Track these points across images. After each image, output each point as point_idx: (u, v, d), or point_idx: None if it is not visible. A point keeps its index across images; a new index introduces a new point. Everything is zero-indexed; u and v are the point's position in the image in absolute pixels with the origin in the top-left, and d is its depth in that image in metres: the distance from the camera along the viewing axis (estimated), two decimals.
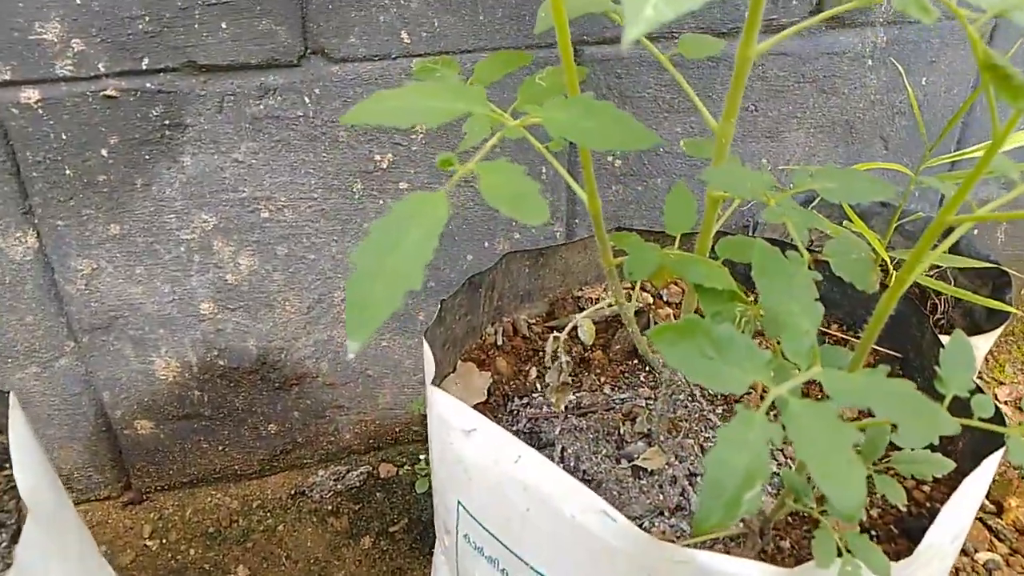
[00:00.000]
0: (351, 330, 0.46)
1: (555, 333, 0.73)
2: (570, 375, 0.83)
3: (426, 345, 0.79)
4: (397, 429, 1.30)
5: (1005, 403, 1.51)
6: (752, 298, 0.66)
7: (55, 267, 1.03)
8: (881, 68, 1.24)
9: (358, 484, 1.23)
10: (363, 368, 1.22)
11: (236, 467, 1.26)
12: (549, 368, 0.75)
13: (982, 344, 1.02)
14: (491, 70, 0.80)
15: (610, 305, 0.75)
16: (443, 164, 0.50)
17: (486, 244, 1.20)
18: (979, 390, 0.59)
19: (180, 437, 1.20)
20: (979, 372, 1.58)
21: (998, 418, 0.68)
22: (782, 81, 1.20)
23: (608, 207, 1.23)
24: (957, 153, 1.05)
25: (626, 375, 0.94)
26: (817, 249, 0.68)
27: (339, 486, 1.23)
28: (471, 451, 0.70)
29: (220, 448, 1.23)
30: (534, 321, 1.02)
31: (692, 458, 0.82)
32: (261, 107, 1.00)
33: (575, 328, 0.78)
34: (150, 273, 1.06)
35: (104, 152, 0.97)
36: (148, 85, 0.95)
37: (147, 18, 0.91)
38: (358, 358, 1.21)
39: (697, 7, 0.29)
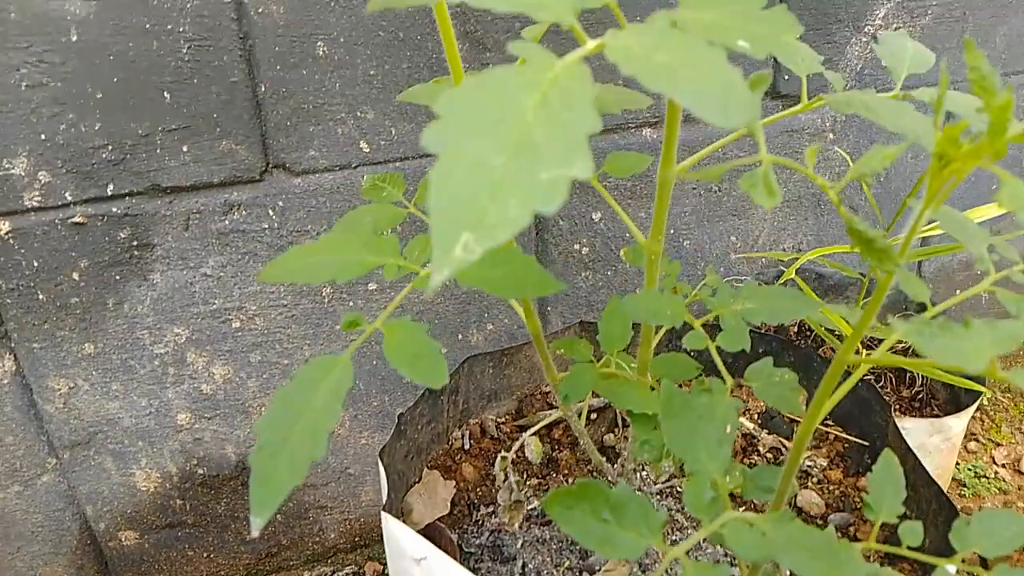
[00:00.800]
0: (255, 506, 0.47)
1: (502, 453, 0.73)
2: (526, 491, 0.83)
3: (381, 467, 0.79)
4: (382, 526, 1.29)
5: (1002, 465, 1.48)
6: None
7: (33, 388, 1.05)
8: (843, 141, 1.25)
9: None
10: (343, 467, 1.22)
11: (222, 573, 1.25)
12: (500, 488, 0.75)
13: (956, 424, 1.00)
14: None
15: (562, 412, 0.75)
16: (348, 326, 0.51)
17: (459, 336, 1.21)
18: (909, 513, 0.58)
19: (165, 546, 1.21)
20: (974, 433, 1.55)
21: (944, 525, 0.67)
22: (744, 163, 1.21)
23: (579, 293, 1.24)
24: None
25: (594, 475, 0.94)
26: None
27: None
28: None
29: (205, 555, 1.23)
30: (503, 420, 1.02)
31: (658, 566, 0.81)
32: (227, 222, 1.02)
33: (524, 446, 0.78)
34: (126, 388, 1.08)
35: (75, 275, 1.00)
36: (114, 210, 0.97)
37: (110, 147, 0.94)
38: (337, 458, 1.21)
39: (510, 236, 0.30)
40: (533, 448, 0.79)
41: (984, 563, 0.55)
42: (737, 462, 0.63)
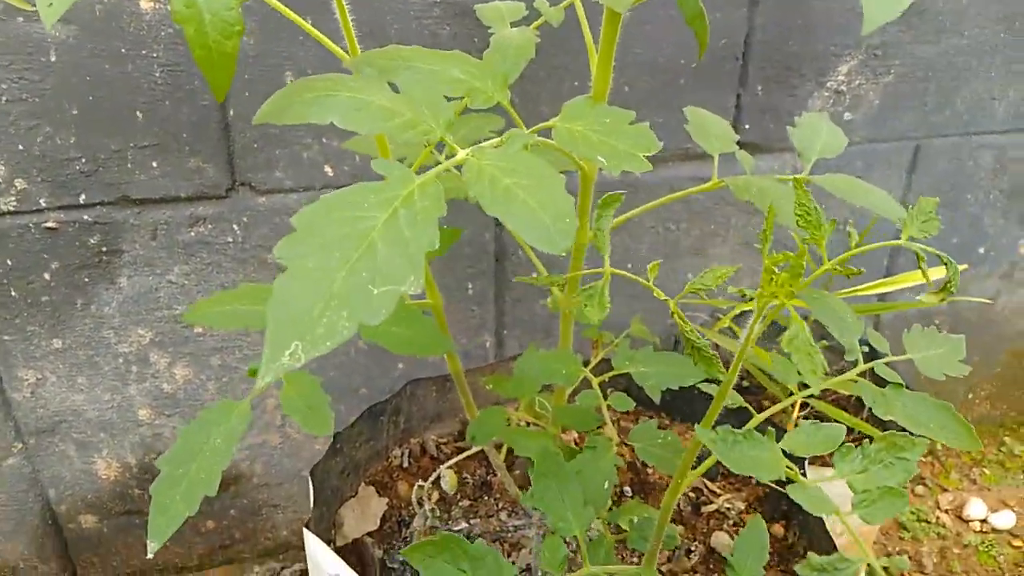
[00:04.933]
0: (152, 532, 0.52)
1: (419, 483, 0.78)
2: (455, 513, 0.88)
3: (311, 485, 0.84)
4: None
5: (946, 511, 1.52)
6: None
7: (2, 377, 1.10)
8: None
9: None
10: (297, 470, 1.28)
11: (176, 560, 1.31)
12: (416, 515, 0.80)
13: None
14: None
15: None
16: (252, 373, 0.56)
17: (418, 355, 1.25)
18: None
19: (122, 531, 1.26)
20: (923, 478, 1.59)
21: None
22: (702, 204, 1.25)
23: (537, 319, 1.28)
24: (848, 290, 1.09)
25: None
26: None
27: None
28: None
29: None
30: (444, 440, 1.07)
31: None
32: (192, 234, 1.07)
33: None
34: (91, 383, 1.13)
35: (47, 276, 1.05)
36: (86, 217, 1.02)
37: (83, 159, 0.99)
38: (292, 461, 1.27)
39: (335, 347, 0.35)
40: (448, 480, 0.84)
41: None
42: (630, 504, 0.67)
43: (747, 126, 1.21)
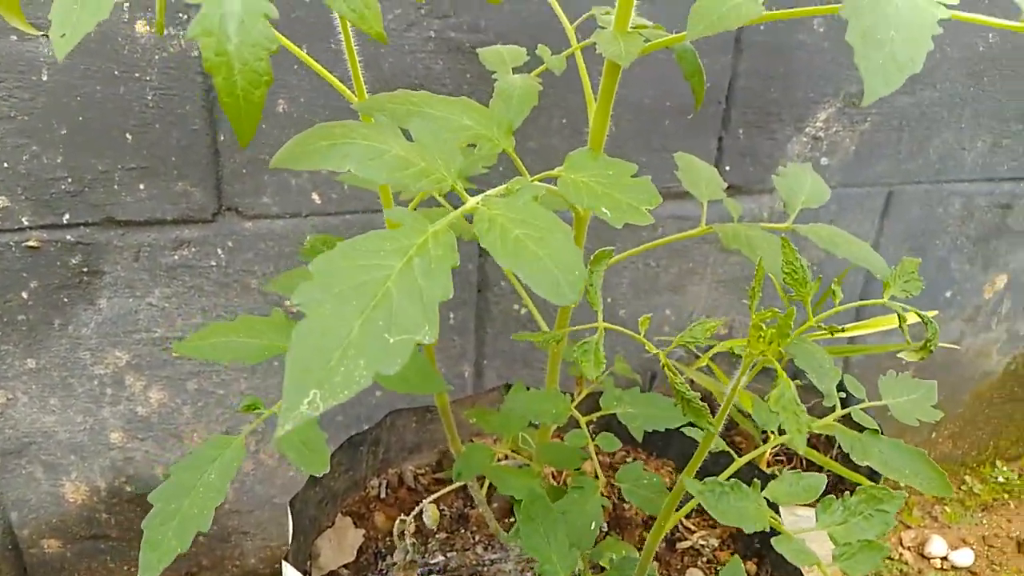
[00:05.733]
0: (143, 567, 0.52)
1: (401, 516, 0.78)
2: (432, 546, 0.88)
3: (290, 516, 0.84)
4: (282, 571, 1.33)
5: (908, 548, 1.55)
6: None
7: None
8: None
9: None
10: (269, 496, 1.26)
11: None
12: (397, 548, 0.80)
13: None
14: None
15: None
16: (246, 409, 0.56)
17: None
18: None
19: (87, 556, 1.24)
20: None
21: None
22: (681, 242, 1.27)
23: (516, 351, 1.29)
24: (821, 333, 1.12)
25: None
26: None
27: None
28: None
29: (126, 568, 1.26)
30: (422, 472, 1.07)
31: None
32: (175, 257, 1.06)
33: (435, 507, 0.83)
34: (64, 404, 1.12)
35: (24, 294, 1.03)
36: (68, 237, 1.01)
37: (69, 179, 0.98)
38: (263, 486, 1.25)
39: (352, 395, 0.35)
40: (430, 514, 0.84)
41: None
42: (609, 541, 0.68)
43: (728, 168, 1.24)
